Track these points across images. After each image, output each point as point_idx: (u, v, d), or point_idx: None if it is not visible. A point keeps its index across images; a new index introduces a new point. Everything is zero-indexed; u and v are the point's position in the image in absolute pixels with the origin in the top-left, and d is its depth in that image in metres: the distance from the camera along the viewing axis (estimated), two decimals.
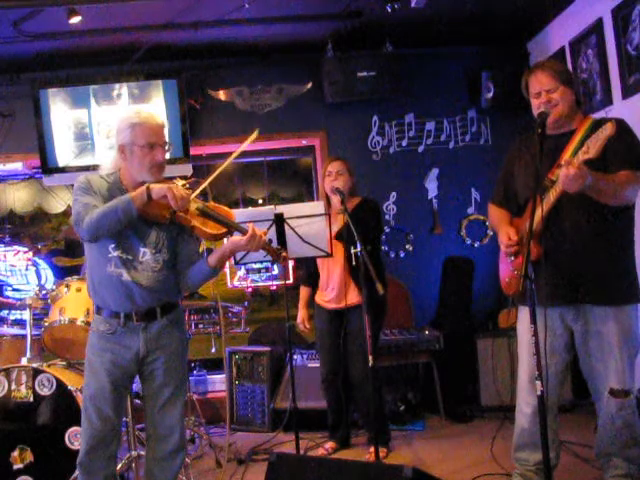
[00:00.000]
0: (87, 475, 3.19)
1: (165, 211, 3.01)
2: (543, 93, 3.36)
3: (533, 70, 3.47)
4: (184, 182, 3.13)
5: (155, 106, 5.74)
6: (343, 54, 5.84)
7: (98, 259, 3.16)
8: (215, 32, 5.58)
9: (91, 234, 3.02)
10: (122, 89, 5.81)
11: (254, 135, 3.38)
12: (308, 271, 4.87)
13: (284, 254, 3.46)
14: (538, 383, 2.92)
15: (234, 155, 3.29)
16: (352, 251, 4.03)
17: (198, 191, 3.13)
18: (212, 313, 5.61)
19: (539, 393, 2.92)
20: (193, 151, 5.91)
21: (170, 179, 3.16)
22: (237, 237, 3.13)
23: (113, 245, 3.12)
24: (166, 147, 3.17)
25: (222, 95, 6.11)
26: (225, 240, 3.32)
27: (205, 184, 3.19)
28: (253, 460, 4.72)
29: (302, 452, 4.51)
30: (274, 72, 6.16)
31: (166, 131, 3.22)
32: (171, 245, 3.22)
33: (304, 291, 4.91)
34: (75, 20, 5.11)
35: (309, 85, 6.15)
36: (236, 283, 6.03)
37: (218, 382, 6.02)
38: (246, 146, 3.30)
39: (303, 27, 5.65)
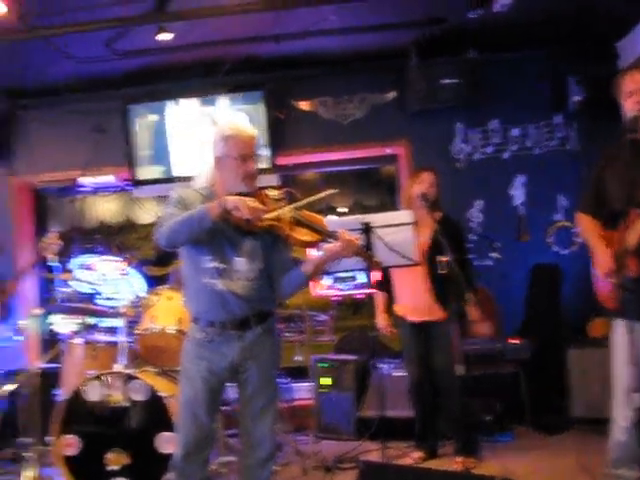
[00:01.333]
0: (183, 479, 3.27)
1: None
2: (637, 92, 3.26)
3: (629, 71, 3.37)
4: (276, 192, 3.18)
5: (240, 118, 5.85)
6: (426, 61, 5.81)
7: (194, 270, 3.21)
8: (298, 44, 5.66)
9: (168, 241, 3.08)
10: (208, 102, 5.95)
11: (328, 193, 3.39)
12: (382, 279, 4.85)
13: (377, 260, 3.47)
14: (637, 395, 2.83)
15: (320, 196, 3.29)
16: (440, 260, 3.98)
17: (281, 211, 3.14)
18: (297, 321, 5.65)
19: (638, 405, 2.82)
20: (278, 162, 5.99)
21: (262, 189, 3.21)
22: (331, 244, 3.14)
23: (208, 256, 3.17)
24: (256, 158, 3.21)
25: (306, 106, 6.18)
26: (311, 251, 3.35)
27: (302, 202, 3.20)
28: (339, 468, 4.71)
29: (389, 461, 4.49)
30: (357, 81, 6.19)
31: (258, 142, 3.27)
32: (266, 254, 3.24)
33: (380, 297, 4.90)
34: (164, 37, 5.27)
35: (392, 94, 6.15)
36: (320, 291, 6.05)
37: (303, 390, 6.05)
38: (320, 196, 3.30)
39: (385, 36, 5.67)
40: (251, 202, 3.01)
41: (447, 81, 5.79)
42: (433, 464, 4.65)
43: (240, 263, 3.19)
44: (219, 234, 3.14)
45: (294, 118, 6.17)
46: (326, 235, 3.15)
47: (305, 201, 3.17)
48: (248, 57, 5.85)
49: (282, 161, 6.14)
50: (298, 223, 3.14)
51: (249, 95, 5.94)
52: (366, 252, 3.33)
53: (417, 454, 4.77)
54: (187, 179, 5.64)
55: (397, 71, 6.00)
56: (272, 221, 3.07)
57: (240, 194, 3.09)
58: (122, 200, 6.54)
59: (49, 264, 6.15)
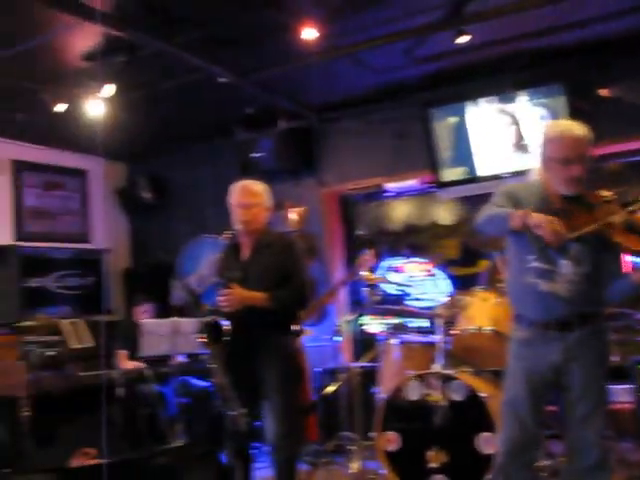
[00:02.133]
0: (503, 473, 3.27)
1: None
2: None
3: None
4: (608, 194, 3.06)
5: (540, 112, 5.70)
6: None
7: (519, 269, 3.24)
8: (600, 28, 5.35)
9: (478, 226, 3.25)
10: (507, 99, 5.86)
11: None
12: None
13: None
14: None
15: None
16: None
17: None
18: (615, 319, 5.34)
19: None
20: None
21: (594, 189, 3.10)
22: None
23: (533, 256, 3.17)
24: (584, 160, 3.08)
25: (609, 93, 5.82)
26: None
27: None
28: None
29: None
30: None
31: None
32: (594, 259, 3.13)
33: None
34: (462, 40, 5.29)
35: None
36: None
37: (621, 393, 5.70)
38: None
39: None
40: (556, 225, 2.94)
41: None
42: None
43: (565, 266, 3.13)
44: None
45: (597, 107, 5.84)
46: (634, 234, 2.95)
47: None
48: (546, 48, 5.66)
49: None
50: (629, 230, 2.97)
51: (549, 88, 5.75)
52: None
53: None
54: (491, 179, 5.72)
55: None
56: (599, 226, 2.95)
57: (565, 197, 3.06)
58: (426, 202, 6.68)
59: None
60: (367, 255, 5.33)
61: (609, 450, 3.24)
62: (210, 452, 1.64)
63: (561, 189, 3.12)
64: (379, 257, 6.55)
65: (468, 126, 5.98)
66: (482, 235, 3.39)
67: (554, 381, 3.23)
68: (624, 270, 3.17)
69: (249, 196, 4.24)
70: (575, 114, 5.65)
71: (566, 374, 3.17)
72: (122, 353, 5.96)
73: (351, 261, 6.84)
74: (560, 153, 3.08)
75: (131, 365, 5.90)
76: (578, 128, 3.14)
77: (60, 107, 5.32)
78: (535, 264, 3.16)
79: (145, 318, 6.05)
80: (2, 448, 4.68)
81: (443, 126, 6.03)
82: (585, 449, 3.18)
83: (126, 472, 1.60)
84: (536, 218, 2.97)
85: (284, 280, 4.18)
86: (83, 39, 4.86)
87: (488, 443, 4.06)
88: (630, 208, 2.99)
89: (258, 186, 4.32)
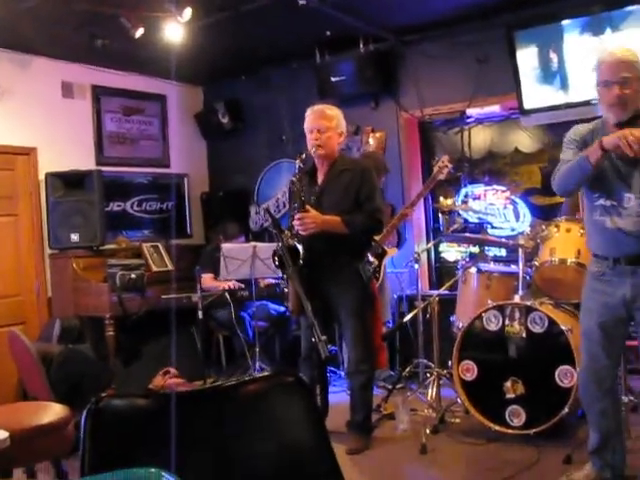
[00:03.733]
0: (585, 408, 3.45)
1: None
2: None
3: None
4: None
5: (633, 35, 5.38)
6: None
7: (589, 207, 3.26)
8: None
9: (559, 189, 3.26)
10: (596, 22, 5.55)
11: None
12: None
13: None
14: None
15: None
16: None
17: None
18: None
19: None
20: None
21: None
22: None
23: (597, 194, 3.17)
24: (627, 82, 3.02)
25: None
26: None
27: None
28: None
29: None
30: None
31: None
32: None
33: None
34: None
35: None
36: None
37: None
38: None
39: None
40: (636, 132, 2.85)
41: None
42: None
43: (629, 200, 3.09)
44: (611, 171, 3.10)
45: None
46: None
47: None
48: None
49: None
50: None
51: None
52: None
53: None
54: (576, 105, 5.49)
55: None
56: None
57: (619, 124, 2.99)
58: (508, 129, 6.48)
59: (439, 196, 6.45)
60: (444, 160, 5.22)
61: None
62: (298, 380, 1.64)
63: (610, 117, 3.10)
64: (459, 181, 6.46)
65: (554, 50, 5.71)
66: (566, 195, 3.40)
67: (626, 316, 3.23)
68: None
69: (322, 120, 4.22)
70: None
71: (637, 309, 3.17)
72: (207, 276, 6.06)
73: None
74: (601, 77, 3.09)
75: (220, 284, 6.00)
76: (621, 50, 3.11)
77: (139, 32, 5.30)
78: (601, 201, 3.16)
79: None
80: (92, 366, 4.87)
81: (529, 50, 5.77)
82: None
83: (214, 401, 1.62)
84: (611, 140, 2.93)
85: (358, 206, 4.18)
86: None
87: (566, 376, 4.02)
88: None
89: (332, 110, 4.30)
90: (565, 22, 5.66)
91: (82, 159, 6.64)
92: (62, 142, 6.54)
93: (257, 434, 1.56)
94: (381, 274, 5.56)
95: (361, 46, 6.41)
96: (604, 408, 3.32)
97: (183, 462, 1.40)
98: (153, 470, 1.04)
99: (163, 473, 1.02)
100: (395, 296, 6.07)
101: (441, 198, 6.58)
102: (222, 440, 1.55)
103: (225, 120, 7.47)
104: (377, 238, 5.20)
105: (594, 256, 3.31)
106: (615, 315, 3.23)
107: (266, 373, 4.17)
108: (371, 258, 5.31)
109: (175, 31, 5.33)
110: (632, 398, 4.18)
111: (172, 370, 4.69)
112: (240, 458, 1.53)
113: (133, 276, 5.72)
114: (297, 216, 4.06)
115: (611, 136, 2.94)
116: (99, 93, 7.00)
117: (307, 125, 4.26)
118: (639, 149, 2.84)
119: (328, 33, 6.23)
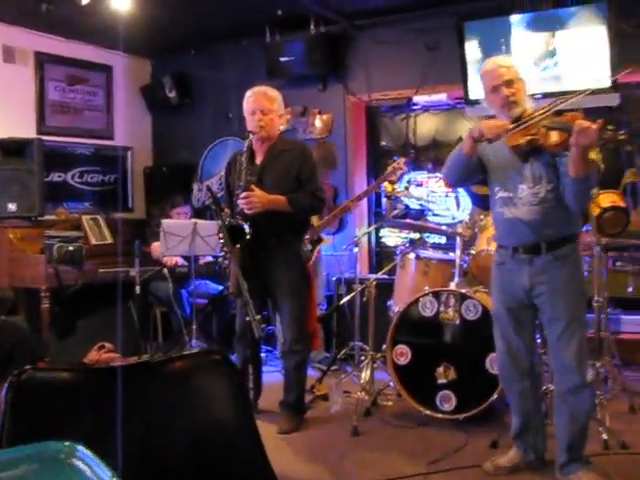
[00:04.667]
0: (507, 391, 3.62)
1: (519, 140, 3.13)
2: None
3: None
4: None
5: (580, 31, 5.48)
6: None
7: (492, 201, 3.45)
8: None
9: (447, 180, 3.66)
10: (544, 16, 5.64)
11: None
12: None
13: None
14: None
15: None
16: None
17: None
18: (632, 250, 5.31)
19: None
20: (621, 79, 5.53)
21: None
22: (572, 138, 2.92)
23: (497, 187, 3.35)
24: (511, 83, 3.24)
25: None
26: None
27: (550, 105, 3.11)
28: None
29: None
30: None
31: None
32: (550, 179, 3.19)
33: None
34: None
35: None
36: None
37: (633, 323, 5.72)
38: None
39: None
40: (491, 122, 3.19)
41: None
42: None
43: (522, 189, 3.24)
44: (505, 164, 3.29)
45: None
46: (566, 130, 2.95)
47: (554, 103, 3.11)
48: None
49: (626, 79, 5.65)
50: (550, 128, 3.04)
51: (591, 7, 5.50)
52: (612, 132, 3.04)
53: None
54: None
55: None
56: (530, 136, 3.08)
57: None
58: (453, 118, 6.56)
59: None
60: (399, 162, 5.26)
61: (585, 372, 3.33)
62: (225, 359, 1.65)
63: (505, 119, 3.24)
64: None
65: (500, 43, 5.78)
66: (455, 186, 3.63)
67: (528, 302, 3.37)
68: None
69: (265, 101, 4.23)
70: (618, 37, 5.44)
71: (536, 297, 3.32)
72: (157, 244, 5.91)
73: (374, 171, 6.81)
74: (487, 85, 3.31)
75: (167, 260, 5.93)
76: (498, 58, 3.40)
77: None
78: (500, 194, 3.33)
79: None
80: (24, 338, 4.78)
81: (476, 41, 5.83)
82: (560, 372, 3.33)
83: (140, 376, 1.62)
84: (475, 128, 3.22)
85: (298, 186, 4.20)
86: None
87: (497, 363, 4.10)
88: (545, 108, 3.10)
89: (273, 92, 4.33)
90: (514, 17, 5.73)
91: (23, 127, 6.48)
92: (1, 108, 6.37)
93: (181, 410, 1.57)
94: (312, 259, 5.58)
95: (312, 27, 6.39)
96: (522, 389, 3.46)
97: (105, 437, 1.40)
98: (67, 444, 1.03)
99: (77, 447, 1.01)
100: (334, 279, 6.10)
101: (385, 183, 6.62)
102: (146, 415, 1.55)
103: (172, 94, 7.37)
104: (316, 225, 5.24)
105: (498, 246, 3.49)
106: (517, 301, 3.38)
107: (194, 350, 4.17)
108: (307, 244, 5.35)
109: (122, 0, 5.23)
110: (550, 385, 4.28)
111: (107, 345, 4.62)
112: (162, 435, 1.53)
113: (71, 248, 5.61)
114: (242, 195, 4.05)
115: (476, 126, 3.23)
116: (43, 60, 6.84)
117: (249, 106, 4.25)
118: (495, 135, 3.12)
119: (279, 12, 6.19)
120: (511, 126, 3.12)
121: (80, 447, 1.02)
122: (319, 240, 5.56)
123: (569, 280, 3.28)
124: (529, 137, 3.09)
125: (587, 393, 3.34)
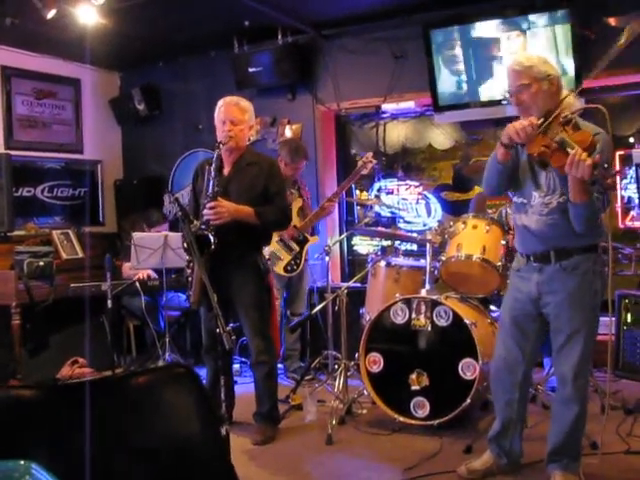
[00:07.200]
0: (493, 395, 3.59)
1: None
2: None
3: None
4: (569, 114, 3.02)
5: (544, 39, 5.55)
6: None
7: (513, 205, 3.41)
8: None
9: (486, 190, 3.49)
10: (509, 24, 5.70)
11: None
12: None
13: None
14: None
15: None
16: None
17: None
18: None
19: None
20: (585, 84, 5.61)
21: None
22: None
23: (515, 193, 3.32)
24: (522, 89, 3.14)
25: (617, 22, 5.67)
26: None
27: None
28: None
29: None
30: None
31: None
32: (565, 188, 3.06)
33: None
34: None
35: None
36: (629, 223, 5.69)
37: (602, 325, 5.77)
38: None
39: None
40: (517, 124, 3.01)
41: None
42: None
43: (535, 197, 3.21)
44: (524, 169, 3.24)
45: (603, 37, 5.69)
46: (567, 154, 2.86)
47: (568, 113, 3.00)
48: None
49: (589, 84, 5.73)
50: (560, 146, 2.92)
51: (554, 14, 5.58)
52: (604, 171, 2.78)
53: None
54: (489, 104, 5.63)
55: None
56: (543, 147, 2.96)
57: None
58: (422, 125, 6.60)
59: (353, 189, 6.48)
60: (367, 157, 5.27)
61: (582, 384, 3.27)
62: (189, 372, 1.64)
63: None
64: (372, 175, 6.52)
65: (469, 50, 5.84)
66: (491, 192, 3.46)
67: (535, 312, 3.33)
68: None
69: (237, 112, 4.22)
70: (580, 43, 5.52)
71: (544, 306, 3.28)
72: (128, 264, 5.90)
73: (345, 179, 6.81)
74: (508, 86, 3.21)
75: (139, 273, 5.89)
76: (514, 60, 3.22)
77: (51, 12, 5.15)
78: (516, 199, 3.31)
79: None
80: None
81: (443, 48, 5.88)
82: (559, 381, 3.32)
83: (104, 391, 1.61)
84: (503, 133, 3.10)
85: (263, 200, 4.19)
86: None
87: (469, 369, 4.14)
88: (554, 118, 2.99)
89: (245, 102, 4.32)
90: (478, 24, 5.79)
91: None
92: None
93: (145, 425, 1.56)
94: (302, 261, 5.59)
95: (279, 38, 6.41)
96: (511, 400, 3.44)
97: (65, 454, 1.39)
98: (22, 462, 1.02)
99: (33, 465, 1.01)
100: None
101: (357, 191, 6.66)
102: (109, 432, 1.54)
103: (141, 107, 7.35)
104: (299, 226, 5.26)
105: (518, 252, 3.45)
106: (524, 310, 3.34)
107: (160, 364, 4.14)
108: (294, 244, 5.36)
109: (89, 13, 5.20)
110: (531, 389, 4.32)
111: (80, 360, 4.59)
112: (125, 450, 1.53)
113: (41, 263, 5.56)
114: (209, 205, 4.03)
115: (505, 130, 3.08)
116: (9, 74, 6.78)
117: (220, 116, 4.24)
118: (524, 137, 2.99)
119: (246, 23, 6.20)
120: (538, 122, 2.99)
121: (34, 465, 1.01)
122: (305, 240, 5.56)
123: (575, 292, 3.19)
124: (542, 149, 2.96)
125: (578, 409, 3.25)
